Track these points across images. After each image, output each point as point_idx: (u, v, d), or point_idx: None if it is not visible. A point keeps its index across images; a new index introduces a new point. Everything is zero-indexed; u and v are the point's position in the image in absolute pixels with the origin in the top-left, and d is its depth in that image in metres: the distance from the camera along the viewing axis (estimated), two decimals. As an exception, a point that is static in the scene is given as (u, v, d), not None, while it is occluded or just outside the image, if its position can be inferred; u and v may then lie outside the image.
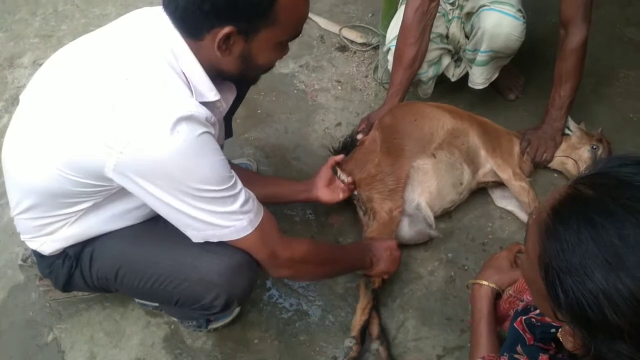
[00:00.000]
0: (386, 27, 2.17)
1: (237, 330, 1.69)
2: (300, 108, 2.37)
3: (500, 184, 1.95)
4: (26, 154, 1.22)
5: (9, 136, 1.28)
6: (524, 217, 1.92)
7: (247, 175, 1.37)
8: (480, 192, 1.99)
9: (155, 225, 1.35)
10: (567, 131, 2.02)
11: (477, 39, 1.96)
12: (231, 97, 1.37)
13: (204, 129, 1.12)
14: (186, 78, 1.17)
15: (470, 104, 2.26)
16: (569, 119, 2.02)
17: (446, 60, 2.13)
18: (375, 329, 1.63)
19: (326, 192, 1.79)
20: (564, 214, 0.79)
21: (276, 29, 1.16)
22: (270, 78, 2.43)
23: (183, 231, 1.23)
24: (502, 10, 1.88)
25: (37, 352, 1.67)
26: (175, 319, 1.69)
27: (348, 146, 1.93)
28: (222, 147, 1.65)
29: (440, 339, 1.66)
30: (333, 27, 2.71)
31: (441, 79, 2.18)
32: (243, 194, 1.22)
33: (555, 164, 2.03)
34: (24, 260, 1.72)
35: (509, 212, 1.96)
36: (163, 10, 1.16)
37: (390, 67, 2.06)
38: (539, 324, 1.09)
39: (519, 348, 1.10)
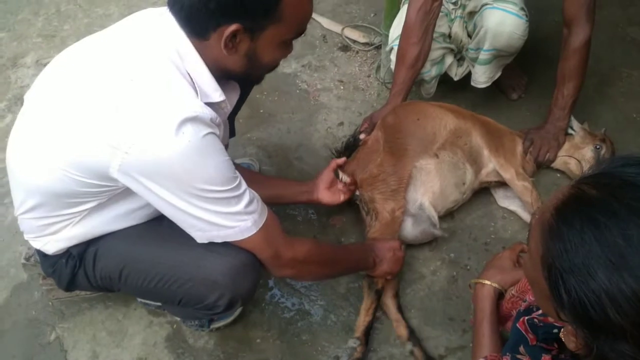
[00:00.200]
0: (388, 26, 2.17)
1: (239, 330, 1.69)
2: (302, 108, 2.37)
3: (503, 184, 1.95)
4: (31, 154, 1.22)
5: (13, 136, 1.28)
6: (526, 217, 1.91)
7: (249, 176, 1.37)
8: (483, 192, 1.99)
9: (159, 225, 1.35)
10: (570, 131, 2.02)
11: (480, 38, 1.96)
12: (235, 97, 1.38)
13: (209, 130, 1.13)
14: (191, 79, 1.17)
15: (473, 103, 2.26)
16: (572, 118, 2.01)
17: (449, 60, 2.12)
18: (404, 331, 1.63)
19: (327, 194, 1.79)
20: (567, 214, 0.78)
21: (281, 27, 1.16)
22: (273, 78, 2.44)
23: (187, 232, 1.23)
24: (505, 9, 1.88)
25: (39, 351, 1.67)
26: (177, 319, 1.69)
27: (350, 146, 1.93)
28: (226, 147, 1.65)
29: (443, 339, 1.65)
30: (335, 27, 2.71)
31: (444, 78, 2.18)
32: (247, 194, 1.22)
33: (558, 163, 2.02)
34: (27, 259, 1.72)
35: (512, 212, 1.96)
36: (168, 10, 1.16)
37: (392, 66, 2.06)
38: (541, 324, 1.09)
39: (521, 348, 1.10)
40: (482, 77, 2.09)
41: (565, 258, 0.76)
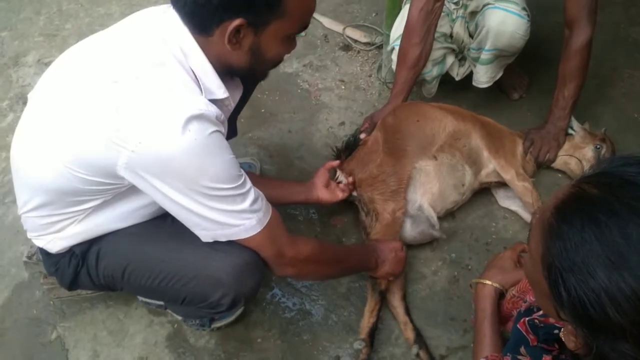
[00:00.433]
0: (390, 26, 2.17)
1: (240, 330, 1.69)
2: (303, 107, 2.37)
3: (503, 184, 1.95)
4: (36, 152, 1.22)
5: (18, 135, 1.28)
6: (527, 217, 1.91)
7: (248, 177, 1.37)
8: (484, 192, 1.99)
9: (163, 224, 1.35)
10: (570, 131, 2.02)
11: (481, 37, 1.96)
12: (238, 94, 1.38)
13: (215, 128, 1.13)
14: (195, 75, 1.17)
15: (474, 103, 2.26)
16: (573, 119, 2.01)
17: (450, 60, 2.12)
18: (411, 334, 1.63)
19: (325, 192, 1.79)
20: (567, 213, 0.79)
21: (285, 21, 1.16)
22: (274, 77, 2.44)
23: (192, 230, 1.24)
24: (507, 9, 1.88)
25: (40, 350, 1.68)
26: (178, 318, 1.69)
27: (351, 146, 1.93)
28: None
29: (444, 339, 1.65)
30: (337, 27, 2.71)
31: (445, 78, 2.18)
32: (252, 192, 1.22)
33: (558, 163, 2.02)
34: (29, 258, 1.72)
35: (513, 212, 1.96)
36: (172, 7, 1.17)
37: (394, 66, 2.06)
38: (542, 325, 1.09)
39: (522, 349, 1.10)
40: (483, 77, 2.09)
41: (565, 257, 0.77)
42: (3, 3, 2.99)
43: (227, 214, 1.19)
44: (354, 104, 2.37)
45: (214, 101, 1.18)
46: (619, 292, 0.72)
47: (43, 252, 1.41)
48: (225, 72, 1.25)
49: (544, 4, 2.51)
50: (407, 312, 1.67)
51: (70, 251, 1.38)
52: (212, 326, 1.66)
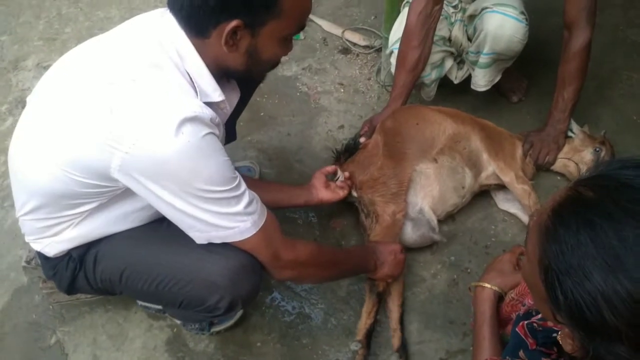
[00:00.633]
0: (389, 29, 2.17)
1: (240, 334, 1.69)
2: (303, 111, 2.37)
3: (503, 187, 1.95)
4: (33, 155, 1.22)
5: (16, 138, 1.29)
6: (526, 219, 1.91)
7: (246, 182, 1.37)
8: (483, 195, 1.99)
9: (159, 227, 1.35)
10: (570, 134, 2.02)
11: (479, 41, 1.96)
12: (235, 98, 1.38)
13: (209, 130, 1.13)
14: (191, 79, 1.17)
15: (473, 107, 2.26)
16: (572, 121, 2.01)
17: (449, 63, 2.13)
18: (397, 342, 1.63)
19: (326, 192, 1.80)
20: (564, 216, 0.79)
21: (282, 22, 1.17)
22: (273, 81, 2.44)
23: (187, 232, 1.24)
24: (505, 13, 1.88)
25: (40, 354, 1.67)
26: (177, 322, 1.69)
27: (351, 149, 1.93)
28: None
29: (443, 343, 1.65)
30: (336, 30, 2.71)
31: (444, 82, 2.18)
32: (247, 195, 1.22)
33: (558, 166, 2.02)
34: (28, 262, 1.72)
35: (512, 215, 1.96)
36: (168, 10, 1.17)
37: (393, 69, 2.06)
38: (540, 328, 1.09)
39: (521, 353, 1.10)
40: (482, 81, 2.09)
41: (562, 259, 0.77)
42: (3, 7, 3.00)
43: (221, 216, 1.19)
44: (353, 107, 2.38)
45: (209, 104, 1.19)
46: (615, 295, 0.72)
47: (41, 256, 1.41)
48: (222, 75, 1.25)
49: (542, 7, 2.51)
50: (401, 320, 1.67)
51: (68, 255, 1.38)
52: (212, 330, 1.66)
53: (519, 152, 1.99)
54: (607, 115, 2.27)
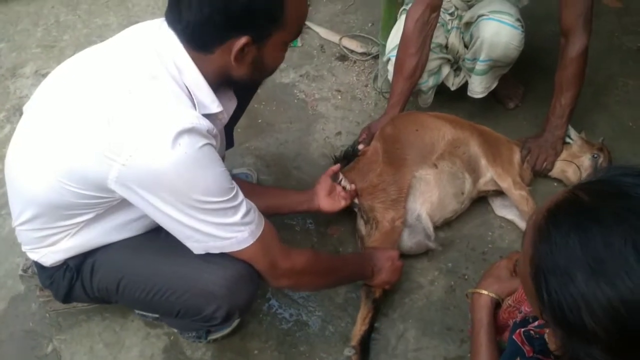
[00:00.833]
0: (386, 37, 2.18)
1: (237, 341, 1.69)
2: (300, 117, 2.38)
3: (500, 193, 1.95)
4: (29, 165, 1.22)
5: (12, 147, 1.29)
6: (523, 226, 1.91)
7: (247, 187, 1.38)
8: (480, 201, 1.99)
9: (156, 237, 1.35)
10: (567, 140, 2.02)
11: (476, 48, 1.97)
12: (232, 107, 1.38)
13: (206, 141, 1.13)
14: (188, 91, 1.18)
15: (470, 113, 2.27)
16: (570, 127, 2.02)
17: (446, 70, 2.13)
18: (355, 339, 1.61)
19: (327, 201, 1.79)
20: (557, 217, 0.80)
21: (285, 31, 1.18)
22: (271, 88, 2.45)
23: (184, 242, 1.23)
24: (501, 20, 1.89)
25: (37, 363, 1.67)
26: (175, 330, 1.69)
27: (349, 156, 1.94)
28: (223, 158, 1.65)
29: (441, 349, 1.65)
30: (333, 37, 2.72)
31: (441, 89, 2.19)
32: (244, 205, 1.22)
33: (555, 172, 2.03)
34: (25, 271, 1.72)
35: (509, 221, 1.96)
36: (168, 26, 1.17)
37: (390, 76, 2.07)
38: (537, 336, 1.09)
39: (518, 360, 1.10)
40: (478, 87, 2.10)
41: (550, 259, 0.78)
42: (1, 15, 3.00)
43: (218, 226, 1.19)
44: (350, 113, 2.38)
45: (207, 115, 1.19)
46: (595, 300, 0.73)
47: (38, 265, 1.41)
48: (222, 84, 1.26)
49: (538, 14, 2.53)
50: (367, 334, 1.63)
51: (65, 264, 1.37)
52: (209, 338, 1.65)
53: (517, 157, 1.99)
54: (603, 121, 2.28)
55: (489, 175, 1.91)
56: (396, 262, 1.66)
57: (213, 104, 1.21)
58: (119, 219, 1.31)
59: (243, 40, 1.12)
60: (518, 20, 1.91)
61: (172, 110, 1.11)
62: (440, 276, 1.83)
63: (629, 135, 2.23)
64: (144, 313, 1.68)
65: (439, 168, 1.83)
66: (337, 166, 1.85)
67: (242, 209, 1.21)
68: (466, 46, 2.06)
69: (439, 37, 2.06)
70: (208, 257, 1.26)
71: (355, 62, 2.61)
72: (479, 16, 1.94)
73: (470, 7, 2.05)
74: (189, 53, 1.16)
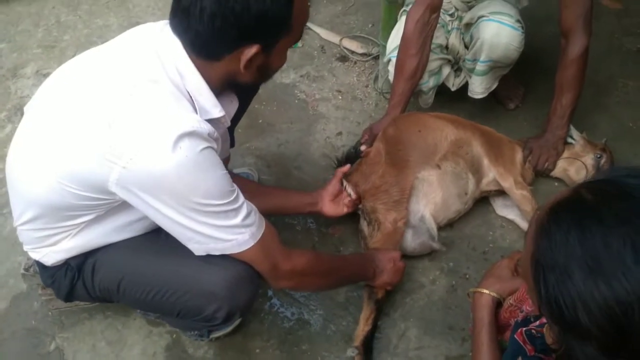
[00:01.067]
0: (386, 37, 2.19)
1: (239, 340, 1.69)
2: (301, 118, 2.38)
3: (501, 193, 1.96)
4: (30, 166, 1.23)
5: (13, 148, 1.29)
6: (525, 225, 1.92)
7: (253, 187, 1.38)
8: (482, 201, 2.00)
9: (157, 237, 1.36)
10: (570, 140, 2.03)
11: (476, 49, 1.97)
12: (233, 109, 1.39)
13: (206, 144, 1.14)
14: (190, 96, 1.18)
15: (470, 114, 2.27)
16: (572, 128, 2.03)
17: (446, 70, 2.14)
18: (358, 340, 1.62)
19: (331, 206, 1.80)
20: (559, 214, 0.81)
21: (290, 37, 1.20)
22: (272, 88, 2.45)
23: (185, 244, 1.24)
24: (501, 21, 1.90)
25: (39, 361, 1.67)
26: (177, 329, 1.69)
27: (352, 157, 1.94)
28: (227, 159, 1.66)
29: (442, 349, 1.66)
30: (333, 38, 2.73)
31: (441, 89, 2.20)
32: (245, 207, 1.23)
33: (557, 172, 2.03)
34: (27, 269, 1.72)
35: (510, 221, 1.97)
36: (172, 33, 1.17)
37: (390, 77, 2.07)
38: (539, 335, 1.10)
39: (519, 359, 1.10)
40: (479, 88, 2.11)
41: (549, 255, 0.79)
42: (2, 15, 3.01)
43: (219, 229, 1.19)
44: (351, 114, 2.39)
45: (209, 120, 1.19)
46: (591, 299, 0.74)
47: (39, 264, 1.41)
48: (225, 88, 1.26)
49: (538, 15, 2.54)
50: (370, 335, 1.63)
51: (66, 264, 1.38)
52: (211, 336, 1.66)
53: (519, 157, 2.00)
54: (603, 122, 2.28)
55: (491, 175, 1.92)
56: (398, 263, 1.66)
57: (215, 109, 1.22)
58: (119, 220, 1.32)
59: (254, 49, 1.13)
60: (518, 21, 1.92)
61: (173, 114, 1.12)
62: (441, 276, 1.83)
63: (629, 135, 2.23)
64: (146, 312, 1.68)
65: (442, 169, 1.83)
66: (347, 167, 1.84)
67: (243, 212, 1.22)
68: (466, 47, 2.07)
69: (439, 38, 2.06)
70: (209, 257, 1.26)
71: (355, 62, 2.62)
72: (479, 17, 1.95)
73: (470, 8, 2.06)
74: (193, 59, 1.16)
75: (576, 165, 1.98)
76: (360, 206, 1.83)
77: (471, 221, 1.97)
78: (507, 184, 1.89)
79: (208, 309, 1.35)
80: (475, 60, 2.02)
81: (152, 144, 1.08)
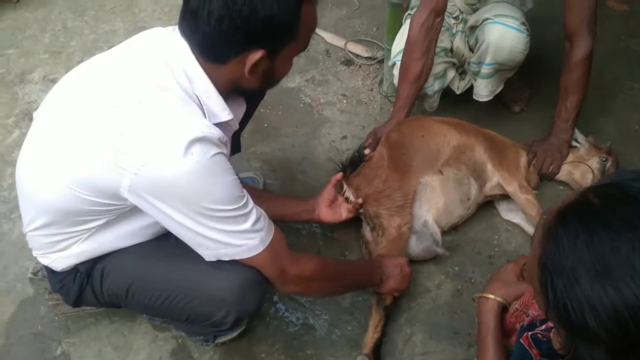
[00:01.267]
0: (391, 41, 2.19)
1: (244, 345, 1.70)
2: (306, 122, 2.39)
3: (506, 197, 1.95)
4: (41, 172, 1.23)
5: (23, 154, 1.30)
6: (530, 229, 1.92)
7: (254, 193, 1.38)
8: (487, 205, 2.00)
9: (166, 242, 1.36)
10: (575, 144, 2.02)
11: (481, 52, 1.97)
12: (241, 112, 1.39)
13: (217, 150, 1.14)
14: (199, 100, 1.19)
15: (475, 117, 2.27)
16: (577, 131, 2.02)
17: (451, 74, 2.14)
18: (368, 347, 1.62)
19: (328, 212, 1.80)
20: (566, 218, 0.81)
21: (297, 44, 1.20)
22: (277, 92, 2.46)
23: (196, 250, 1.24)
24: (506, 24, 1.90)
25: (45, 366, 1.68)
26: (182, 333, 1.70)
27: (355, 161, 1.94)
28: None
29: (448, 353, 1.65)
30: (338, 42, 2.73)
31: (446, 92, 2.20)
32: (254, 212, 1.23)
33: (562, 175, 2.03)
34: (34, 274, 1.72)
35: (515, 225, 1.96)
36: (176, 30, 1.18)
37: (395, 81, 2.07)
38: (544, 339, 1.09)
39: (525, 363, 1.10)
40: (484, 91, 2.10)
41: (557, 259, 0.79)
42: (9, 21, 3.04)
43: (229, 234, 1.20)
44: (356, 117, 2.39)
45: (218, 124, 1.20)
46: (600, 303, 0.74)
47: (48, 269, 1.42)
48: (233, 92, 1.27)
49: (543, 17, 2.53)
50: (379, 342, 1.63)
51: (75, 269, 1.39)
52: (216, 341, 1.66)
53: (523, 161, 1.99)
54: (609, 125, 2.28)
55: (495, 179, 1.91)
56: (405, 269, 1.66)
57: (223, 112, 1.23)
58: (130, 225, 1.32)
59: (259, 54, 1.14)
60: (523, 23, 1.92)
61: (184, 120, 1.12)
62: (446, 280, 1.83)
63: (635, 138, 2.22)
64: (152, 317, 1.68)
65: (445, 174, 1.83)
66: (340, 175, 1.84)
67: (253, 217, 1.22)
68: (471, 50, 2.07)
69: (444, 41, 2.06)
70: (217, 263, 1.26)
71: (360, 66, 2.63)
72: (484, 20, 1.95)
73: (474, 10, 2.06)
74: (201, 63, 1.17)
75: (581, 168, 1.98)
76: (362, 211, 1.83)
77: (476, 225, 1.97)
78: (512, 188, 1.89)
79: (217, 314, 1.35)
80: (480, 63, 2.01)
81: (164, 150, 1.09)
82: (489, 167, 1.90)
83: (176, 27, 1.20)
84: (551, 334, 1.03)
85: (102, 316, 1.76)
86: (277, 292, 1.78)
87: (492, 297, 1.35)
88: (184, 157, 1.08)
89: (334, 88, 2.53)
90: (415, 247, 1.79)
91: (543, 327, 1.13)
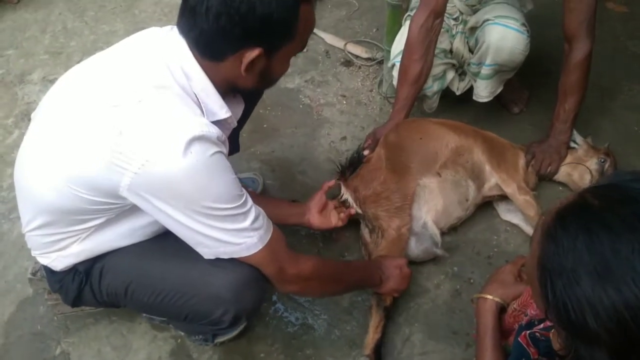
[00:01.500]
0: (390, 42, 2.20)
1: (243, 344, 1.70)
2: (305, 122, 2.39)
3: (505, 198, 1.95)
4: (40, 172, 1.23)
5: (22, 155, 1.30)
6: (529, 230, 1.92)
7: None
8: (486, 205, 2.00)
9: (165, 241, 1.36)
10: (573, 145, 2.03)
11: (481, 53, 1.98)
12: (240, 110, 1.40)
13: (216, 149, 1.15)
14: (197, 98, 1.19)
15: (475, 118, 2.27)
16: (575, 132, 2.02)
17: (450, 75, 2.14)
18: (369, 348, 1.62)
19: (318, 218, 1.79)
20: (566, 219, 0.81)
21: (294, 44, 1.20)
22: (276, 93, 2.46)
23: (194, 248, 1.25)
24: (507, 25, 1.90)
25: (45, 366, 1.68)
26: (181, 333, 1.70)
27: (355, 162, 1.93)
28: None
29: (447, 353, 1.65)
30: (338, 42, 2.74)
31: (446, 93, 2.20)
32: (253, 211, 1.23)
33: (561, 176, 2.03)
34: (34, 274, 1.73)
35: (514, 226, 1.97)
36: (174, 28, 1.19)
37: (395, 82, 2.08)
38: (543, 338, 1.10)
39: (523, 362, 1.10)
40: (484, 92, 2.11)
41: (556, 260, 0.80)
42: (9, 22, 3.04)
43: (228, 232, 1.20)
44: (355, 118, 2.40)
45: (216, 122, 1.20)
46: (600, 304, 0.74)
47: (47, 269, 1.42)
48: (230, 90, 1.27)
49: (543, 18, 2.53)
50: (379, 343, 1.63)
51: (74, 269, 1.39)
52: (215, 341, 1.66)
53: (522, 162, 2.00)
54: (608, 126, 2.28)
55: (493, 180, 1.91)
56: (404, 270, 1.66)
57: (222, 110, 1.23)
58: (129, 224, 1.33)
59: (256, 52, 1.14)
60: (523, 25, 1.92)
61: (182, 119, 1.13)
62: (445, 280, 1.83)
63: (634, 140, 2.23)
64: (151, 316, 1.68)
65: (442, 177, 1.84)
66: (332, 182, 1.84)
67: (252, 215, 1.22)
68: (471, 51, 2.07)
69: (443, 43, 2.07)
70: (216, 261, 1.27)
71: (360, 67, 2.63)
72: (485, 21, 1.95)
73: (474, 11, 2.06)
74: (198, 60, 1.17)
75: (579, 169, 1.98)
76: (360, 212, 1.83)
77: (475, 226, 1.97)
78: (510, 189, 1.89)
79: (215, 312, 1.35)
80: (480, 64, 2.02)
81: (163, 149, 1.09)
82: (488, 168, 1.91)
83: (173, 27, 1.20)
84: (550, 334, 1.03)
85: (101, 316, 1.76)
86: (277, 292, 1.78)
87: (491, 298, 1.35)
88: (184, 156, 1.09)
89: (334, 89, 2.54)
90: (415, 248, 1.80)
91: (541, 325, 1.14)
